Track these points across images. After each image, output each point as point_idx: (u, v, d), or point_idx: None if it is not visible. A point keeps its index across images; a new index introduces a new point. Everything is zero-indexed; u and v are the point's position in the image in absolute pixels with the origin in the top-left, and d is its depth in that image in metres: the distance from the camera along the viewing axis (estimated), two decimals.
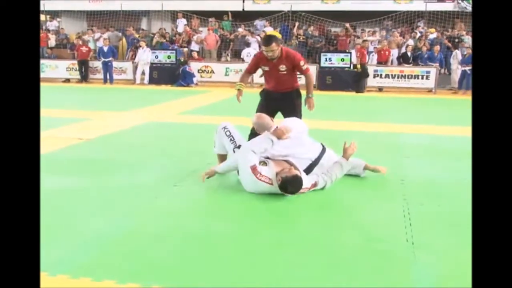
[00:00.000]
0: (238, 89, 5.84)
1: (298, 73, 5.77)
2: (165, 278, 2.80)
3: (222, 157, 5.10)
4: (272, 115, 5.55)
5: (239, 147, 4.76)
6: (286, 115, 5.62)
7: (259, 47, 17.96)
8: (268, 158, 4.57)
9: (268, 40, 5.55)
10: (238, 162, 4.55)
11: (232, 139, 4.89)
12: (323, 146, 4.91)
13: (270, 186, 4.35)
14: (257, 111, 5.56)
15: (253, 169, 4.35)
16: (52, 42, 21.05)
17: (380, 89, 16.44)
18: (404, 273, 2.95)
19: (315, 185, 4.53)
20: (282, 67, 5.62)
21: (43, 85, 16.69)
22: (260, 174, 4.35)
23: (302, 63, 5.72)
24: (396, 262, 3.10)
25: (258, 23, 20.55)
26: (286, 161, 4.54)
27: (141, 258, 3.08)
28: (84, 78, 18.05)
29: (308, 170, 4.62)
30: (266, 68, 5.72)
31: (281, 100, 5.75)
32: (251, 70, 5.96)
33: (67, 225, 3.66)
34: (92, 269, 2.90)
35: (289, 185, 4.28)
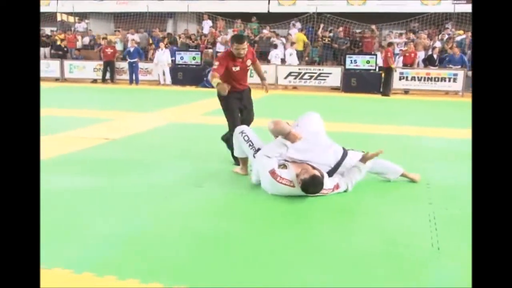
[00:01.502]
0: (218, 83, 5.62)
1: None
2: (186, 278, 2.81)
3: (244, 160, 5.12)
4: (240, 114, 5.86)
5: (258, 150, 4.73)
6: (247, 112, 5.88)
7: (284, 48, 17.97)
8: (287, 161, 4.55)
9: (241, 37, 5.73)
10: (258, 170, 4.57)
11: (251, 144, 4.82)
12: (344, 149, 4.79)
13: (291, 188, 4.34)
14: (229, 115, 5.72)
15: (272, 173, 4.37)
16: (80, 43, 21.37)
17: (406, 92, 16.27)
18: (428, 279, 2.91)
19: (337, 187, 4.51)
20: (249, 62, 5.84)
21: (71, 86, 16.98)
22: (280, 177, 4.35)
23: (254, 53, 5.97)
24: (420, 267, 3.06)
25: (291, 26, 20.47)
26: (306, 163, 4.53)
27: (163, 258, 3.11)
28: (104, 78, 18.28)
29: (328, 175, 4.59)
30: (237, 68, 5.69)
31: (243, 99, 5.90)
32: (220, 72, 5.67)
33: (91, 224, 3.71)
34: (116, 267, 2.94)
35: (310, 186, 4.28)
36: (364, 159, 4.70)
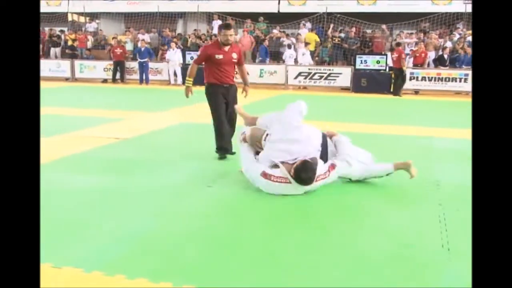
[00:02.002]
0: (187, 86, 6.24)
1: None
2: (195, 278, 2.82)
3: None
4: (226, 110, 6.01)
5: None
6: (230, 110, 5.99)
7: (295, 48, 17.94)
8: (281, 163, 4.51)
9: (229, 24, 6.04)
10: (251, 179, 4.60)
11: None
12: (322, 133, 4.88)
13: (287, 185, 4.36)
14: (214, 111, 5.94)
15: (264, 175, 4.41)
16: (89, 43, 21.48)
17: (416, 92, 16.19)
18: (438, 279, 2.90)
19: (333, 167, 4.55)
20: (234, 55, 5.96)
21: (81, 85, 17.06)
22: (274, 176, 4.38)
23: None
24: (430, 268, 3.04)
25: (301, 26, 20.44)
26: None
27: (173, 257, 3.12)
28: (114, 78, 18.35)
29: (322, 160, 4.62)
30: (220, 56, 5.86)
31: (228, 95, 6.00)
32: (200, 61, 6.12)
33: (101, 223, 3.73)
34: (126, 266, 2.95)
35: (302, 172, 4.29)
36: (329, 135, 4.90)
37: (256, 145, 4.87)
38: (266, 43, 18.64)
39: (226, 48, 5.91)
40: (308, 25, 20.17)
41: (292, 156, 4.46)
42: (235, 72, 6.32)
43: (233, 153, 5.93)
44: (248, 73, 6.43)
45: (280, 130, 4.68)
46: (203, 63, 6.10)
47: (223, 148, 5.96)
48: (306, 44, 17.78)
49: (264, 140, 4.76)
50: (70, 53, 20.16)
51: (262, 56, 18.27)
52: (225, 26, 5.97)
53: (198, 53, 6.03)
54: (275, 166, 4.47)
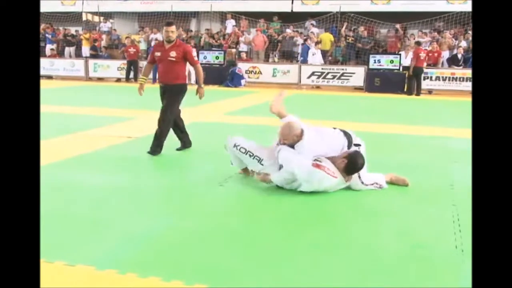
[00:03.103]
0: (140, 83, 6.13)
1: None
2: (208, 277, 2.82)
3: (246, 170, 4.95)
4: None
5: (261, 160, 4.61)
6: (163, 107, 5.98)
7: (307, 48, 17.88)
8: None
9: (171, 22, 6.02)
10: (296, 165, 4.33)
11: (251, 154, 4.65)
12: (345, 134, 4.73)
13: (333, 179, 4.35)
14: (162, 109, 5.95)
15: (317, 166, 4.30)
16: (103, 42, 21.61)
17: (430, 92, 16.08)
18: (452, 280, 2.87)
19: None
20: (172, 53, 5.85)
21: (95, 85, 17.18)
22: (327, 168, 4.31)
23: (193, 53, 6.00)
24: (443, 269, 3.02)
25: (307, 23, 20.45)
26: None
27: (185, 256, 3.12)
28: (127, 77, 18.44)
29: None
30: (158, 54, 5.93)
31: (165, 94, 5.98)
32: (151, 60, 6.18)
33: (114, 221, 3.74)
34: (138, 265, 2.96)
35: (358, 157, 4.36)
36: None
37: (285, 139, 4.54)
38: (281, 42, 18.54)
39: (167, 46, 5.91)
40: (314, 23, 20.10)
41: (321, 150, 4.49)
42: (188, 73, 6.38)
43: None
44: (202, 74, 6.29)
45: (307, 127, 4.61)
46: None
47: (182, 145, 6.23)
48: (317, 43, 17.71)
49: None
50: (94, 54, 20.28)
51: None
52: (167, 23, 5.96)
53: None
54: (318, 160, 4.37)
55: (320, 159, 4.40)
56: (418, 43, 16.11)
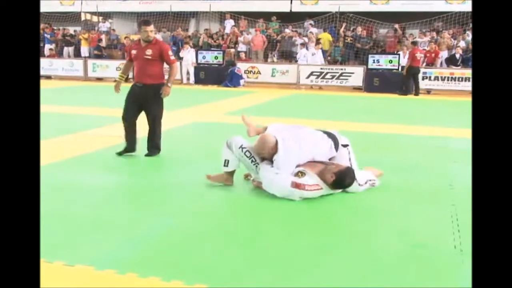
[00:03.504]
0: (117, 81, 6.08)
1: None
2: (208, 277, 2.82)
3: (231, 173, 4.74)
4: (137, 112, 5.83)
5: (258, 169, 4.50)
6: (149, 112, 5.80)
7: (306, 48, 17.89)
8: (298, 165, 4.41)
9: (148, 21, 5.82)
10: (276, 190, 4.31)
11: (254, 160, 4.53)
12: (327, 133, 4.68)
13: (320, 191, 4.29)
14: (123, 110, 5.81)
15: (297, 185, 4.22)
16: (103, 43, 21.61)
17: (428, 92, 16.09)
18: (451, 280, 2.88)
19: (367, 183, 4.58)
20: (148, 51, 5.67)
21: (94, 85, 17.16)
22: (307, 185, 4.22)
23: (170, 52, 5.82)
24: (443, 269, 3.02)
25: (305, 23, 20.46)
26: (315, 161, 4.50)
27: (185, 256, 3.12)
28: (127, 77, 18.39)
29: None
30: (134, 52, 5.80)
31: (144, 95, 5.75)
32: (129, 58, 6.07)
33: (114, 221, 3.74)
34: (138, 265, 2.96)
35: (346, 176, 4.28)
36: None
37: (262, 153, 4.51)
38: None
39: (144, 44, 5.75)
40: (313, 23, 20.11)
41: (306, 155, 4.44)
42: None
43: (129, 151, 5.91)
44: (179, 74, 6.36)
45: (293, 136, 4.55)
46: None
47: (126, 149, 5.91)
48: (317, 43, 17.70)
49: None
50: (99, 54, 20.27)
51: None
52: (144, 22, 5.77)
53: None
54: (301, 173, 4.29)
55: (303, 172, 4.30)
56: (414, 43, 16.12)
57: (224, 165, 4.65)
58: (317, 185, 4.26)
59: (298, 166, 4.40)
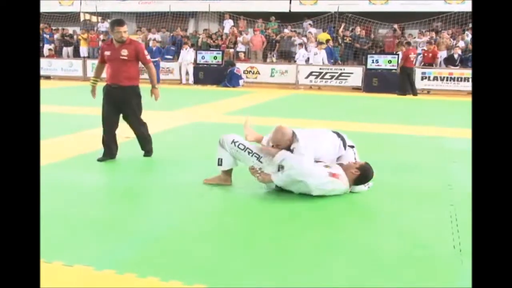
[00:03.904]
0: (92, 85, 5.82)
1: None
2: (207, 277, 2.82)
3: (228, 173, 4.73)
4: (117, 114, 5.64)
5: (260, 157, 4.50)
6: (130, 118, 5.67)
7: (306, 48, 17.89)
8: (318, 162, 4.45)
9: (121, 21, 5.56)
10: (312, 180, 4.23)
11: (250, 150, 4.54)
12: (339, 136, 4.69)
13: (344, 188, 4.36)
14: (102, 114, 5.62)
15: (334, 175, 4.27)
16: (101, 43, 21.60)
17: (428, 92, 16.10)
18: (450, 280, 2.88)
19: None
20: (124, 52, 5.48)
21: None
22: (341, 175, 4.31)
23: (146, 52, 5.67)
24: (442, 269, 3.03)
25: (304, 24, 20.47)
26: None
27: (184, 256, 3.12)
28: None
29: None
30: (108, 53, 5.55)
31: (121, 97, 5.56)
32: (102, 60, 5.73)
33: (112, 222, 3.74)
34: (137, 265, 2.96)
35: (370, 170, 4.36)
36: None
37: (280, 144, 4.46)
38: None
39: (118, 45, 5.52)
40: (311, 23, 20.10)
41: (326, 151, 4.52)
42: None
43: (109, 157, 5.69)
44: (156, 73, 5.95)
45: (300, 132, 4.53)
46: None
47: (104, 154, 5.70)
48: (319, 43, 17.69)
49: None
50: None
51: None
52: (117, 23, 5.52)
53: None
54: (326, 166, 4.37)
55: (327, 165, 4.38)
56: (408, 44, 16.11)
57: (218, 164, 4.65)
58: (346, 182, 4.33)
59: (317, 162, 4.42)
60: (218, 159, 4.65)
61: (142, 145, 5.91)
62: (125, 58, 5.48)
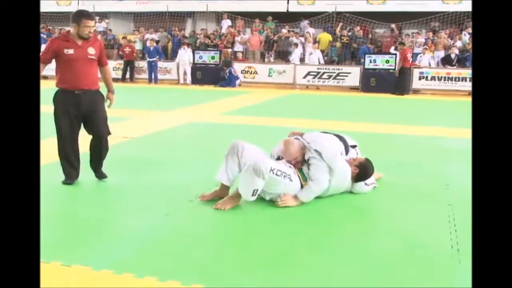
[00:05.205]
0: None
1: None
2: (204, 277, 2.82)
3: (225, 188, 4.31)
4: (78, 130, 4.77)
5: (289, 176, 4.15)
6: (93, 128, 4.78)
7: (303, 47, 17.89)
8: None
9: (90, 14, 4.66)
10: (337, 169, 4.20)
11: (285, 173, 4.10)
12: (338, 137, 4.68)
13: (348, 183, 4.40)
14: (58, 130, 4.64)
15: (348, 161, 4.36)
16: None
17: (426, 92, 16.11)
18: (448, 280, 2.88)
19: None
20: (91, 50, 4.58)
21: None
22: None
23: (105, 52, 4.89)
24: (439, 269, 3.03)
25: (302, 23, 20.47)
26: None
27: (181, 256, 3.12)
28: (123, 77, 18.42)
29: None
30: (70, 51, 4.47)
31: (89, 106, 4.64)
32: (46, 59, 4.45)
33: (111, 222, 3.75)
34: (135, 265, 2.96)
35: (369, 166, 4.40)
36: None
37: (296, 157, 4.27)
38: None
39: (81, 42, 4.52)
40: (308, 23, 20.11)
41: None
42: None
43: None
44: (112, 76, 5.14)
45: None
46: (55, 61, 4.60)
47: (70, 175, 4.73)
48: (315, 43, 17.68)
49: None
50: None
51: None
52: (85, 15, 4.53)
53: (44, 49, 4.44)
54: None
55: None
56: (402, 44, 16.10)
57: (253, 195, 4.03)
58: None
59: None
60: (254, 190, 4.01)
61: (97, 163, 4.95)
62: (93, 58, 4.61)
